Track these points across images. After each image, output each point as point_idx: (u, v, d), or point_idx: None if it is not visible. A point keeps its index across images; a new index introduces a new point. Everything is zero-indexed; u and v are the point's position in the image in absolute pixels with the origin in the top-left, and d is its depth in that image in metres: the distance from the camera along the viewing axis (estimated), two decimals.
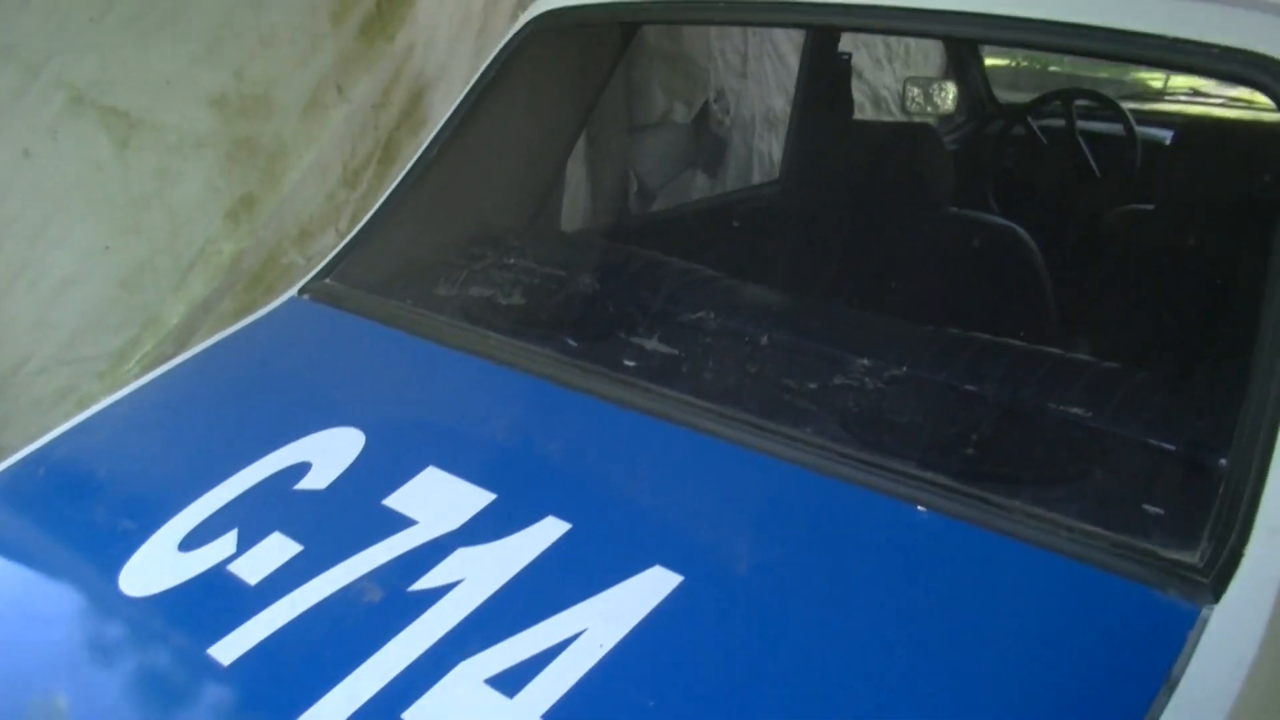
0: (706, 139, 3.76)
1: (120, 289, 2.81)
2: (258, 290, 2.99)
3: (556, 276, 1.80)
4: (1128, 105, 3.53)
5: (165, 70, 2.71)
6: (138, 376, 2.05)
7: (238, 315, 2.45)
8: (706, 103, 3.73)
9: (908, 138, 2.55)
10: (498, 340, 1.71)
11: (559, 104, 2.28)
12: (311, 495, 1.54)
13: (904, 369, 1.45)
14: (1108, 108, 3.39)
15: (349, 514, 1.49)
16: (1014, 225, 2.48)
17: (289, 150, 2.93)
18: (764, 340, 1.54)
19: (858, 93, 4.33)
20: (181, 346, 2.83)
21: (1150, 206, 2.40)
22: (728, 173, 3.83)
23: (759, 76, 3.89)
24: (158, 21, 2.66)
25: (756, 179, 3.86)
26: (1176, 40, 1.44)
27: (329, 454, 1.60)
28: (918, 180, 2.49)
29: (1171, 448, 1.34)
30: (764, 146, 3.91)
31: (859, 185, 2.44)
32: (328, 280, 2.09)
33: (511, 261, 1.86)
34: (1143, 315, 1.96)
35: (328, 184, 3.03)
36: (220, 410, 1.85)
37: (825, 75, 2.81)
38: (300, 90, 2.90)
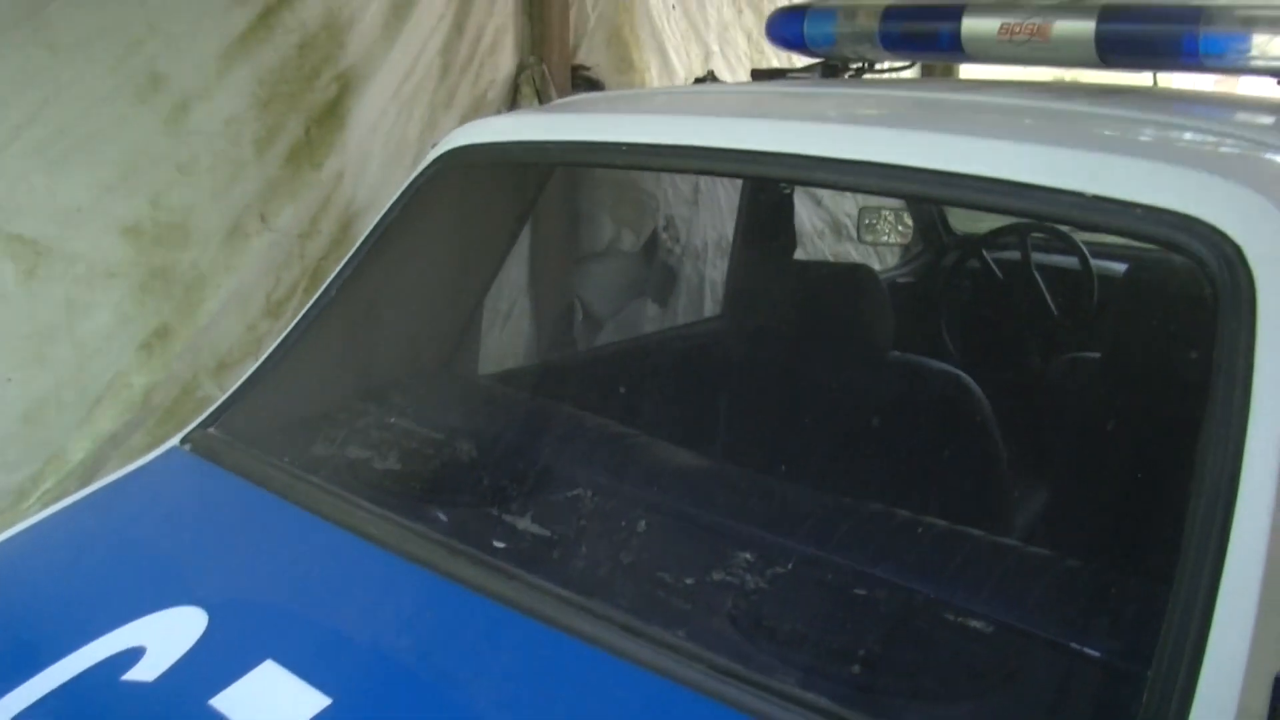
0: (656, 267, 3.66)
1: (21, 423, 2.67)
2: (170, 424, 2.84)
3: (435, 439, 1.66)
4: (1088, 236, 3.44)
5: (76, 198, 2.61)
6: (39, 514, 1.91)
7: (148, 450, 2.31)
8: (655, 230, 3.64)
9: (845, 280, 2.44)
10: (367, 512, 1.56)
11: (471, 242, 2.17)
12: (137, 689, 1.38)
13: (790, 565, 1.30)
14: (1063, 241, 3.30)
15: (171, 715, 1.32)
16: (956, 371, 2.35)
17: (207, 280, 2.81)
18: (641, 525, 1.39)
19: (817, 219, 4.25)
20: (86, 483, 2.68)
21: (1096, 355, 2.27)
22: (679, 301, 3.72)
23: (711, 203, 3.80)
24: (69, 148, 2.57)
25: (709, 308, 3.74)
26: (1097, 199, 1.31)
27: (166, 639, 1.44)
28: (855, 324, 2.36)
29: (1088, 660, 1.18)
30: (717, 275, 3.81)
31: (792, 331, 2.31)
32: (211, 430, 1.95)
33: (392, 420, 1.72)
34: (1082, 486, 1.82)
35: (249, 314, 2.91)
36: (72, 578, 1.69)
37: (765, 212, 2.70)
38: (221, 219, 2.80)
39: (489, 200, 2.17)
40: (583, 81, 3.57)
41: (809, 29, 2.46)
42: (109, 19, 2.56)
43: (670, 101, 2.08)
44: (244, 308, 2.89)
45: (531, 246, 3.42)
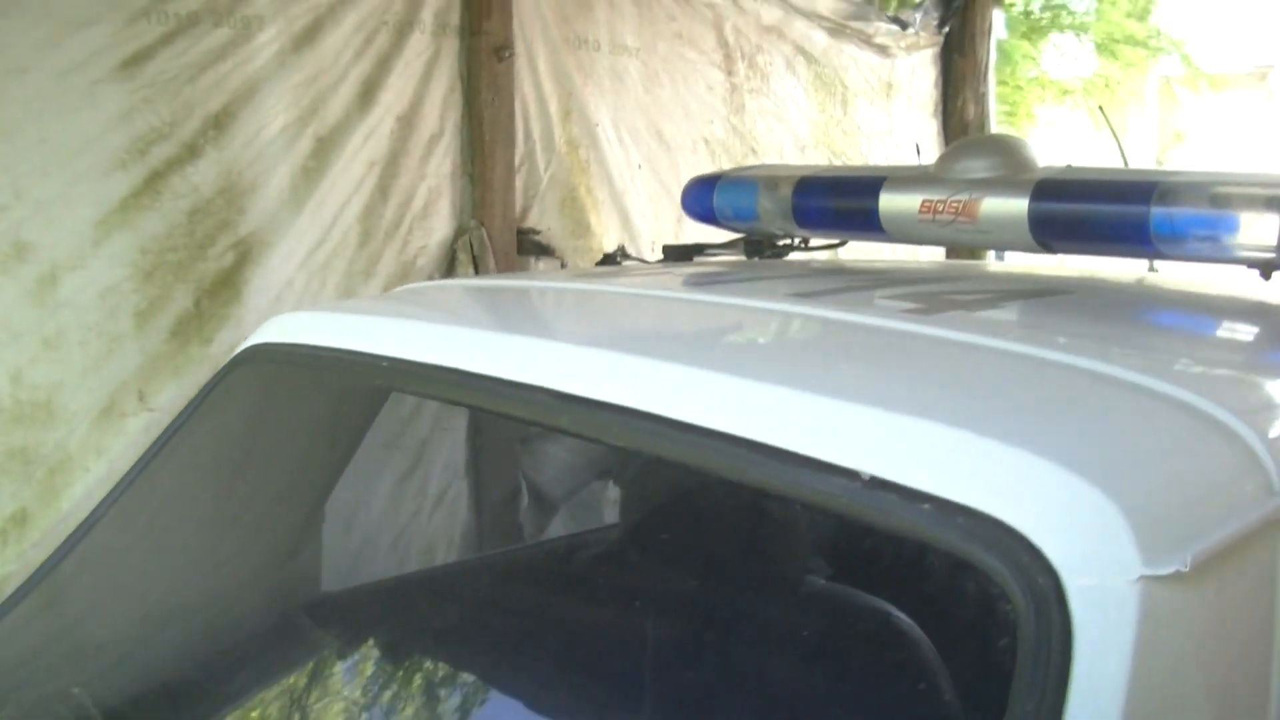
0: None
1: None
2: None
3: None
4: None
5: None
6: None
7: None
8: None
9: (753, 498, 2.07)
10: None
11: (289, 451, 1.86)
12: None
13: None
14: None
15: None
16: (887, 608, 1.94)
17: (74, 462, 2.56)
18: None
19: None
20: None
21: None
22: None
23: None
24: None
25: None
26: (875, 482, 0.92)
27: None
28: (766, 552, 1.98)
29: None
30: None
31: (689, 561, 1.94)
32: None
33: (74, 691, 1.38)
34: None
35: None
36: None
37: None
38: (92, 397, 2.56)
39: (314, 401, 1.86)
40: (531, 246, 3.29)
41: (719, 201, 2.16)
42: None
43: (518, 302, 1.78)
44: None
45: (470, 421, 3.12)
